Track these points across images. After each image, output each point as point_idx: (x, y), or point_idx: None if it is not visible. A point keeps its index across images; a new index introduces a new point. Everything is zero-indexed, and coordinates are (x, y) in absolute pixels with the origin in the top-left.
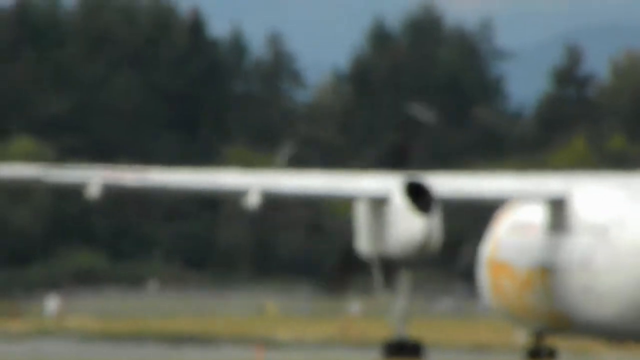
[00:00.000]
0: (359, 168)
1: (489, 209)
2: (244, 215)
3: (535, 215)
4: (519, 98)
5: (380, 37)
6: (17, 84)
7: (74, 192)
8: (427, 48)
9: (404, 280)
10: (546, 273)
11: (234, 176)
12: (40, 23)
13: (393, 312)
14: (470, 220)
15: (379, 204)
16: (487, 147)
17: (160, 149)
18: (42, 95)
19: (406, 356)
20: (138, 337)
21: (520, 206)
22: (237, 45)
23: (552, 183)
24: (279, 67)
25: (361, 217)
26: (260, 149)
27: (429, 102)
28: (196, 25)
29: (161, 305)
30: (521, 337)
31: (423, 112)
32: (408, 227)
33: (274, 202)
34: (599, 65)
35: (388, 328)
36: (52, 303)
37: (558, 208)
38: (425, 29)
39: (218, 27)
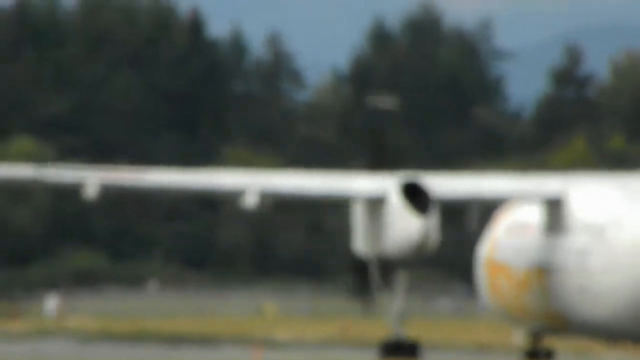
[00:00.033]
0: (359, 168)
1: (487, 209)
2: (243, 215)
3: (532, 215)
4: (518, 98)
5: (380, 37)
6: (17, 84)
7: (73, 192)
8: (426, 48)
9: (401, 280)
10: (543, 273)
11: (232, 176)
12: (40, 23)
13: (390, 312)
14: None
15: (376, 204)
16: (487, 147)
17: (160, 149)
18: (42, 95)
19: (403, 356)
20: (138, 337)
21: (518, 206)
22: (237, 46)
23: (549, 183)
24: (279, 67)
25: (358, 217)
26: (260, 149)
27: (428, 101)
28: (196, 25)
29: (161, 305)
30: (519, 338)
31: (385, 101)
32: (405, 227)
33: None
34: (598, 65)
35: (387, 328)
36: (51, 303)
37: (555, 208)
38: (425, 29)
39: (218, 27)
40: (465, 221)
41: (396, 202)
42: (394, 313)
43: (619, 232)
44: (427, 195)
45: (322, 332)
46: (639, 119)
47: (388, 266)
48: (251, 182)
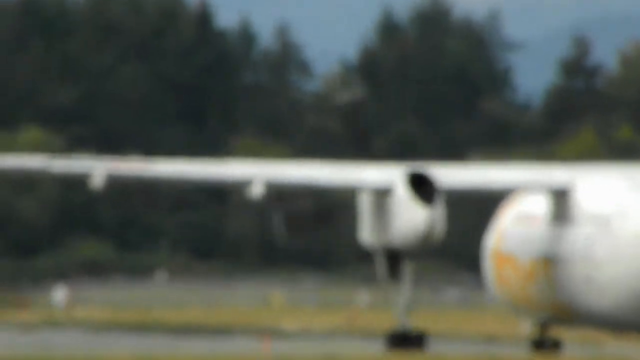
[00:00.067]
0: (366, 159)
1: (493, 200)
2: (251, 205)
3: (539, 206)
4: (527, 89)
5: (388, 28)
6: (25, 74)
7: (80, 183)
8: (435, 39)
9: (408, 270)
10: (549, 264)
11: (238, 167)
12: (48, 13)
13: (397, 303)
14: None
15: (382, 194)
16: (495, 139)
17: (168, 140)
18: (50, 85)
19: (410, 347)
20: (145, 327)
21: (525, 197)
22: (245, 36)
23: (555, 174)
24: (287, 57)
25: (365, 207)
26: (268, 140)
27: (436, 92)
28: (204, 16)
29: (168, 295)
30: (526, 328)
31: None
32: (411, 217)
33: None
34: (607, 56)
35: (394, 319)
36: (60, 294)
37: (561, 199)
38: (433, 20)
39: (226, 18)
40: None
41: (402, 193)
42: (401, 304)
43: (625, 223)
44: (433, 186)
45: (329, 323)
46: None
47: (394, 256)
48: (257, 173)
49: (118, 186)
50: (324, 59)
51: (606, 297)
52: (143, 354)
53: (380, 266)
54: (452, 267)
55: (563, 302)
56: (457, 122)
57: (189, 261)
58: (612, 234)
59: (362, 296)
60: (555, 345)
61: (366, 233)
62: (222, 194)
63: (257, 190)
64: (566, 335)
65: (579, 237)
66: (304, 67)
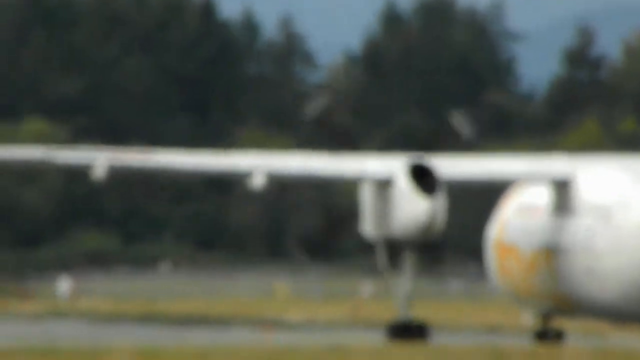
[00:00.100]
0: (370, 150)
1: (496, 190)
2: (255, 196)
3: (541, 196)
4: (530, 80)
5: (391, 18)
6: (28, 65)
7: (83, 174)
8: (438, 30)
9: (409, 261)
10: (551, 254)
11: (239, 158)
12: (53, 4)
13: (398, 294)
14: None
15: (383, 185)
16: (499, 129)
17: (172, 131)
18: (53, 77)
19: (410, 337)
20: (149, 318)
21: (527, 188)
22: (249, 27)
23: (556, 165)
24: (291, 48)
25: (366, 199)
26: (272, 131)
27: (440, 83)
28: (208, 7)
29: (172, 286)
30: (528, 319)
31: (461, 124)
32: (412, 209)
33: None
34: (611, 46)
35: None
36: (64, 284)
37: (562, 189)
38: (437, 10)
39: (230, 9)
40: None
41: (403, 184)
42: (402, 294)
43: (626, 214)
44: (434, 177)
45: (333, 313)
46: None
47: (396, 248)
48: (258, 164)
49: (120, 177)
50: (327, 50)
51: (607, 288)
52: (147, 344)
53: (381, 257)
54: (456, 258)
55: (564, 293)
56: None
57: (193, 252)
58: (613, 225)
59: (366, 287)
60: (558, 336)
61: (367, 224)
62: (226, 185)
63: (258, 182)
64: (570, 326)
65: (580, 227)
66: (307, 58)
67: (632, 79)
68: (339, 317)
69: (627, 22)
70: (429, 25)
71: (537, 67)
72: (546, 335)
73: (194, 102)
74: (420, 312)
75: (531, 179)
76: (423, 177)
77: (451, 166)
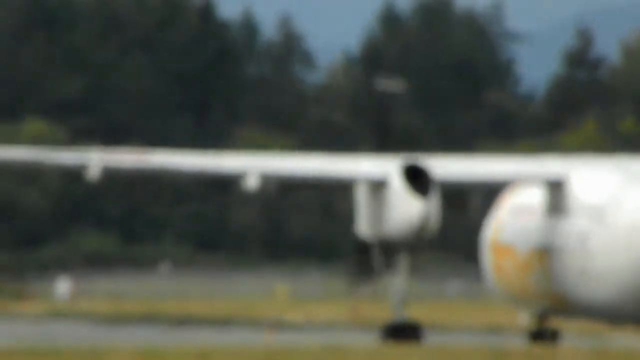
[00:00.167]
0: (367, 150)
1: (492, 191)
2: (255, 197)
3: (536, 197)
4: (530, 80)
5: (391, 19)
6: (29, 66)
7: (78, 174)
8: (437, 30)
9: (403, 262)
10: (545, 255)
11: (234, 159)
12: (53, 5)
13: (392, 295)
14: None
15: (377, 186)
16: (498, 130)
17: (171, 132)
18: (54, 77)
19: (405, 338)
20: (149, 319)
21: (523, 188)
22: (248, 28)
23: (550, 165)
24: (290, 49)
25: (361, 199)
26: (271, 132)
27: (439, 84)
28: (207, 8)
29: (172, 287)
30: (524, 319)
31: (392, 84)
32: (406, 209)
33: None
34: (610, 47)
35: (390, 310)
36: (63, 285)
37: (556, 190)
38: (436, 11)
39: (229, 9)
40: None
41: (397, 185)
42: (396, 295)
43: (619, 214)
44: (428, 178)
45: (333, 314)
46: None
47: (391, 248)
48: (253, 165)
49: (115, 178)
50: (327, 50)
51: (600, 288)
52: (147, 345)
53: (376, 258)
54: (454, 259)
55: (559, 293)
56: (460, 113)
57: (193, 253)
58: (606, 225)
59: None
60: (553, 336)
61: (362, 225)
62: (226, 186)
63: (252, 183)
64: (566, 326)
65: (574, 228)
66: (307, 59)
67: (631, 80)
68: (338, 317)
69: (626, 23)
70: (428, 26)
71: (536, 68)
72: (542, 335)
73: (194, 102)
74: (418, 313)
75: (525, 180)
76: (417, 178)
77: (445, 167)
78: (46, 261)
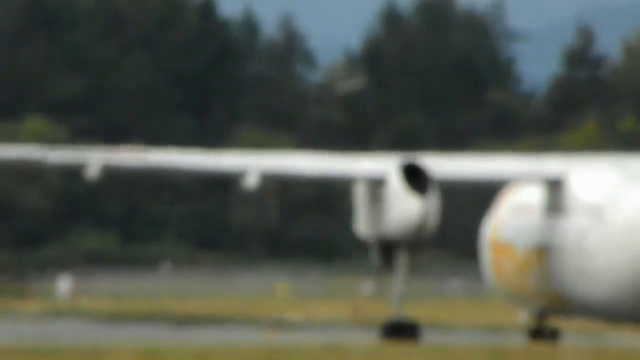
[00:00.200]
0: (369, 149)
1: (492, 189)
2: (255, 196)
3: (535, 196)
4: (530, 79)
5: (391, 18)
6: (29, 65)
7: (77, 173)
8: (438, 29)
9: (402, 261)
10: (543, 254)
11: (233, 158)
12: (53, 4)
13: (391, 293)
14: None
15: (376, 185)
16: (499, 129)
17: (171, 131)
18: (54, 76)
19: (403, 337)
20: (150, 318)
21: (522, 187)
22: (249, 27)
23: (549, 164)
24: (291, 48)
25: (359, 198)
26: (272, 131)
27: (440, 83)
28: (207, 7)
29: (173, 286)
30: (524, 317)
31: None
32: (405, 208)
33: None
34: (611, 46)
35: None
36: (64, 284)
37: (555, 189)
38: (437, 10)
39: (229, 8)
40: None
41: (396, 183)
42: (395, 294)
43: (618, 213)
44: (426, 177)
45: (333, 313)
46: None
47: (389, 247)
48: (252, 163)
49: (114, 176)
50: (327, 49)
51: (599, 287)
52: (147, 344)
53: (375, 256)
54: (455, 258)
55: (557, 292)
56: (461, 112)
57: (194, 252)
58: (605, 224)
59: (367, 286)
60: (553, 334)
61: (361, 224)
62: (226, 185)
63: (251, 181)
64: (566, 325)
65: (573, 227)
66: (307, 58)
67: (632, 79)
68: (339, 316)
69: (627, 22)
70: (429, 25)
71: (537, 67)
72: (541, 333)
73: (194, 101)
74: (418, 312)
75: (523, 178)
76: (415, 177)
77: (444, 166)
78: (46, 260)
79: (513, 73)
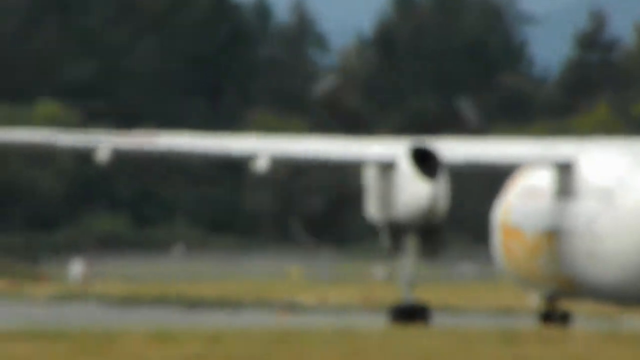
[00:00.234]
0: (382, 133)
1: (502, 173)
2: (267, 179)
3: (545, 179)
4: (543, 63)
5: (404, 0)
6: (41, 49)
7: (87, 157)
8: (451, 12)
9: (412, 245)
10: (553, 237)
11: (244, 141)
12: None
13: (401, 277)
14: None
15: (386, 169)
16: (511, 112)
17: (184, 115)
18: (66, 60)
19: (412, 320)
20: (162, 301)
21: (533, 171)
22: (261, 10)
23: (559, 148)
24: (303, 31)
25: (370, 182)
26: (284, 114)
27: (452, 66)
28: None
29: (185, 269)
30: (534, 301)
31: (469, 109)
32: (414, 192)
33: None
34: (623, 29)
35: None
36: (76, 267)
37: (565, 173)
38: None
39: None
40: None
41: (405, 167)
42: (404, 277)
43: (628, 197)
44: (436, 160)
45: (345, 296)
46: None
47: (399, 231)
48: (262, 147)
49: (124, 160)
50: (339, 33)
51: (609, 271)
52: (159, 327)
53: (385, 240)
54: (468, 241)
55: (567, 275)
56: (473, 95)
57: (206, 235)
58: (615, 207)
59: (379, 270)
60: (564, 318)
61: (371, 207)
62: (239, 168)
63: (262, 165)
64: (577, 308)
65: (583, 210)
66: (319, 41)
67: None
68: (351, 300)
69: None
70: (441, 8)
71: (549, 50)
72: (551, 317)
73: (206, 85)
74: (429, 295)
75: (534, 162)
76: (425, 161)
77: (453, 150)
78: (59, 243)
79: (525, 56)
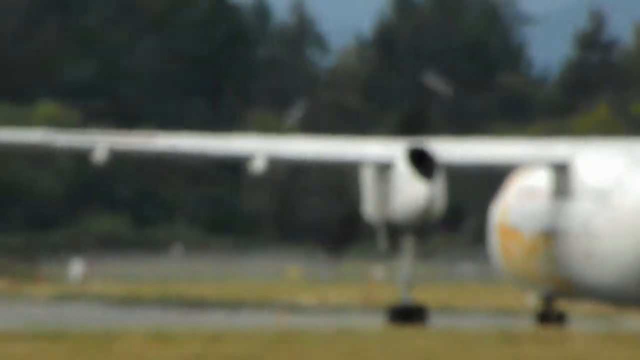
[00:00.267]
0: (381, 133)
1: (500, 174)
2: (266, 179)
3: (542, 180)
4: (542, 63)
5: (403, 1)
6: (41, 49)
7: (84, 157)
8: (450, 12)
9: (409, 245)
10: (550, 238)
11: (241, 141)
12: None
13: (398, 277)
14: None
15: (383, 169)
16: (511, 113)
17: (183, 115)
18: (66, 60)
19: (410, 321)
20: (162, 302)
21: (531, 171)
22: (261, 10)
23: (556, 149)
24: (302, 31)
25: (367, 182)
26: (283, 115)
27: (451, 67)
28: None
29: (185, 269)
30: (531, 301)
31: (439, 83)
32: (411, 192)
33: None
34: (622, 30)
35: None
36: (76, 267)
37: (562, 173)
38: None
39: None
40: None
41: (402, 168)
42: (402, 278)
43: (624, 197)
44: (433, 161)
45: (345, 297)
46: None
47: (396, 231)
48: (259, 147)
49: (122, 160)
50: (339, 33)
51: (605, 271)
52: (159, 327)
53: (382, 241)
54: (468, 242)
55: (564, 276)
56: (472, 96)
57: (205, 235)
58: (611, 208)
59: (378, 270)
60: (560, 318)
61: (369, 207)
62: (238, 168)
63: (259, 165)
64: (575, 309)
65: (580, 211)
66: (319, 41)
67: None
68: (350, 300)
69: (639, 5)
70: (441, 8)
71: (549, 51)
72: (548, 317)
73: (206, 85)
74: (428, 295)
75: (531, 163)
76: (422, 161)
77: (450, 150)
78: (58, 244)
79: (525, 56)
